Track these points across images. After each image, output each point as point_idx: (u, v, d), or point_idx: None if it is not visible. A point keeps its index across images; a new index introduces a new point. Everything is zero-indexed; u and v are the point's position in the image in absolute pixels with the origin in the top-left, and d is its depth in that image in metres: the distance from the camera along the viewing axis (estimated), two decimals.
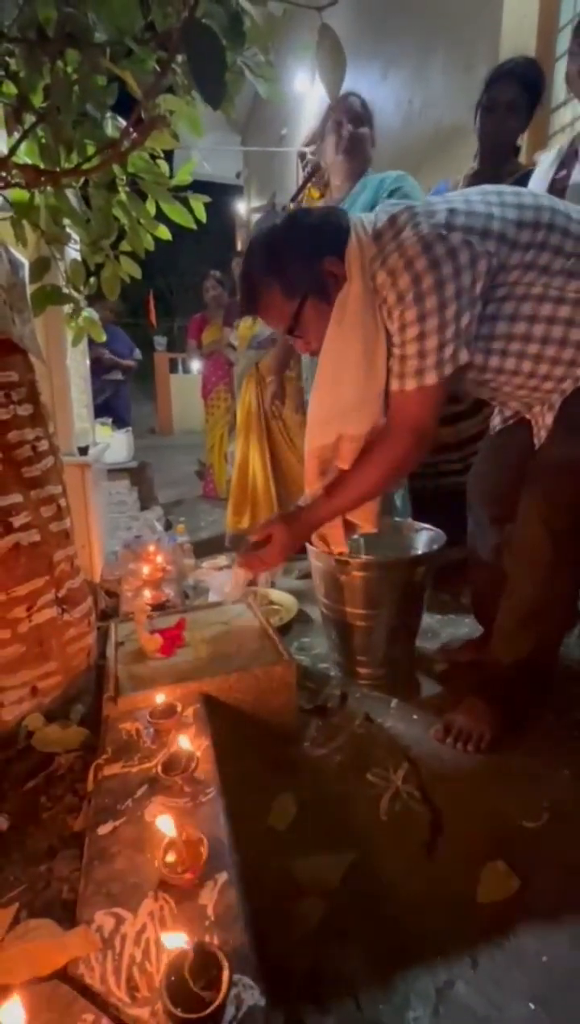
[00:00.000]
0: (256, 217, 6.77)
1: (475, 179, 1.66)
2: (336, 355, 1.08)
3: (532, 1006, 0.72)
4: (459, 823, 0.99)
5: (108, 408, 3.92)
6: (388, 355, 1.05)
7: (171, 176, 1.23)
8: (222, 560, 2.15)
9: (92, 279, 1.39)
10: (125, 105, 0.95)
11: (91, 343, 3.46)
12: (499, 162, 1.63)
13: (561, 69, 2.10)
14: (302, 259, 1.04)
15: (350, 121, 1.74)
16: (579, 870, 0.89)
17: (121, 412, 4.02)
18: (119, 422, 3.80)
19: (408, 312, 0.97)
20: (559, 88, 2.12)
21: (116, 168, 1.13)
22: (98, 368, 3.73)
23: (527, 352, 1.02)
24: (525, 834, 0.96)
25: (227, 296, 3.65)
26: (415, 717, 1.29)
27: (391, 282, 0.98)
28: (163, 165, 1.22)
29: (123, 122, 1.05)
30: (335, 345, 1.08)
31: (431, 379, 0.99)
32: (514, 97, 1.56)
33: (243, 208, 7.29)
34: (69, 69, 0.95)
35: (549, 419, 1.05)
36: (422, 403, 1.04)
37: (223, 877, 0.66)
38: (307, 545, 1.44)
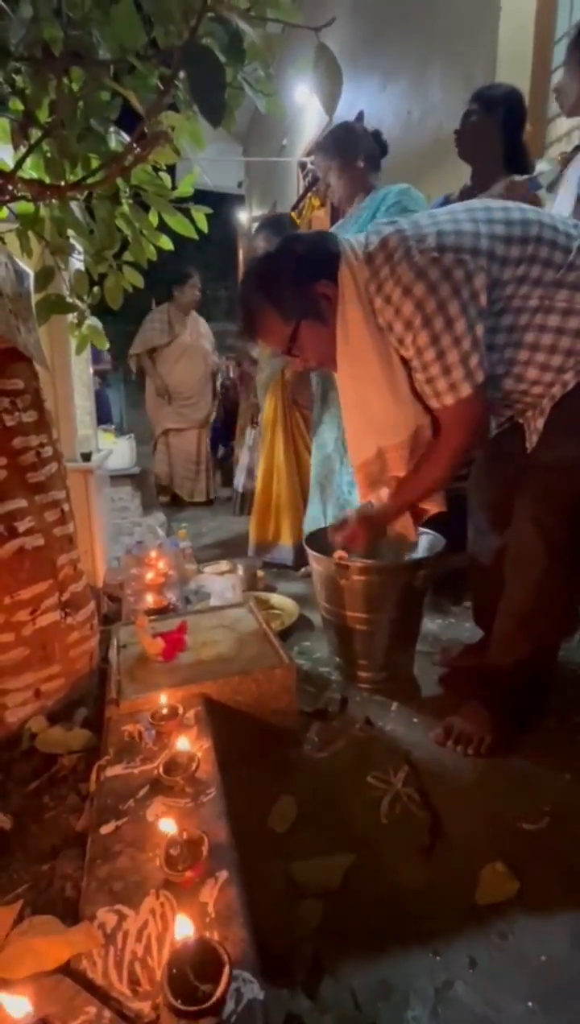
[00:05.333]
0: (257, 226, 6.83)
1: (466, 195, 1.69)
2: (354, 376, 1.14)
3: (531, 1005, 0.72)
4: (459, 825, 1.00)
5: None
6: (406, 369, 1.08)
7: (173, 187, 1.25)
8: (223, 565, 2.16)
9: (96, 289, 1.41)
10: (128, 119, 0.97)
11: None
12: (485, 180, 1.66)
13: (558, 80, 2.13)
14: (295, 285, 1.09)
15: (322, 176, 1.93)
16: (578, 872, 0.90)
17: (105, 415, 4.20)
18: (103, 419, 3.92)
19: (420, 337, 1.00)
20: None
21: (119, 181, 1.15)
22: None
23: (517, 359, 1.04)
24: (525, 836, 0.97)
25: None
26: (415, 721, 1.30)
27: (394, 311, 1.02)
28: (165, 177, 1.24)
29: (126, 137, 1.08)
30: (349, 367, 1.13)
31: (466, 391, 1.02)
32: (478, 121, 1.62)
33: (245, 217, 7.35)
34: (74, 86, 0.98)
35: (540, 423, 1.07)
36: (465, 413, 1.06)
37: (223, 875, 0.67)
38: (307, 548, 1.45)
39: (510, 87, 1.65)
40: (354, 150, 1.86)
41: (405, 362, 1.09)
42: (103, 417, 3.98)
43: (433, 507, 1.28)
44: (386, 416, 1.13)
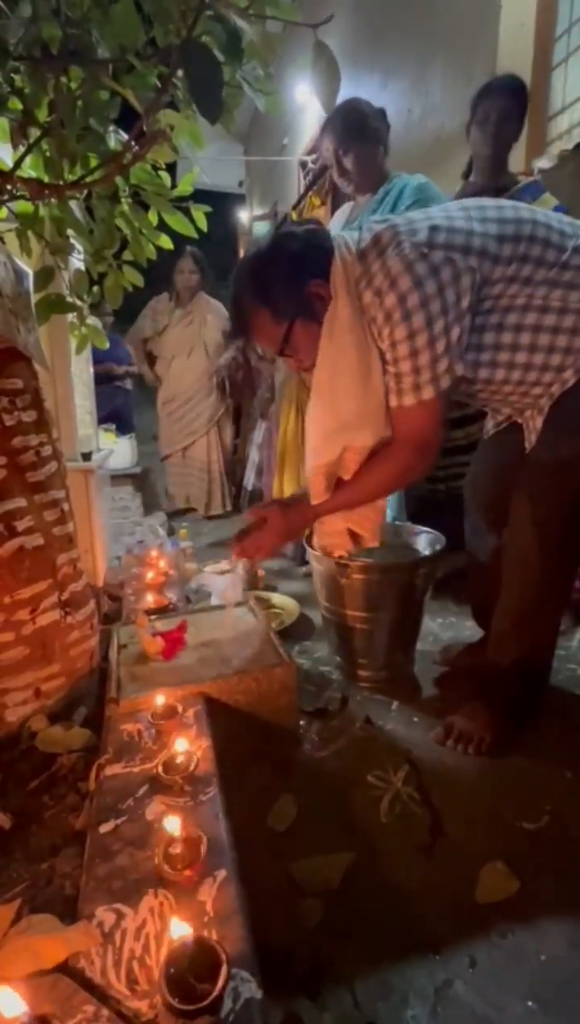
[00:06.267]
0: (258, 225, 6.83)
1: (475, 189, 1.68)
2: (330, 370, 1.10)
3: (531, 1005, 0.72)
4: (459, 824, 0.99)
5: (117, 415, 3.85)
6: (384, 371, 1.07)
7: (173, 186, 1.25)
8: (224, 564, 2.16)
9: (95, 288, 1.41)
10: (127, 118, 0.97)
11: (101, 356, 3.47)
12: (496, 176, 1.65)
13: (559, 77, 2.13)
14: (287, 284, 1.07)
15: (335, 169, 1.83)
16: (578, 871, 0.90)
17: (130, 419, 4.03)
18: (126, 428, 3.78)
19: (397, 330, 0.99)
20: (556, 96, 2.14)
21: (119, 180, 1.15)
22: (109, 376, 3.67)
23: (515, 361, 1.03)
24: (525, 835, 0.97)
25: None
26: (416, 720, 1.30)
27: (378, 302, 1.01)
28: (165, 176, 1.24)
29: (125, 136, 1.08)
30: (328, 361, 1.10)
31: (428, 393, 1.02)
32: (505, 106, 1.60)
33: (245, 216, 7.35)
34: (73, 85, 0.98)
35: (539, 422, 1.07)
36: (422, 417, 1.06)
37: (222, 874, 0.67)
38: (308, 548, 1.45)
39: (519, 78, 1.65)
40: (375, 133, 1.75)
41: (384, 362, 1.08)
42: (129, 426, 3.76)
43: (368, 536, 1.25)
44: (355, 414, 1.10)
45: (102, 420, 3.63)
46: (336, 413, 1.13)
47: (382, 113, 1.81)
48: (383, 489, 1.18)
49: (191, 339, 3.19)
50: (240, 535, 1.25)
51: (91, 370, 2.31)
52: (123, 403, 3.89)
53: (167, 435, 3.36)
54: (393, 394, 1.06)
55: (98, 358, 3.61)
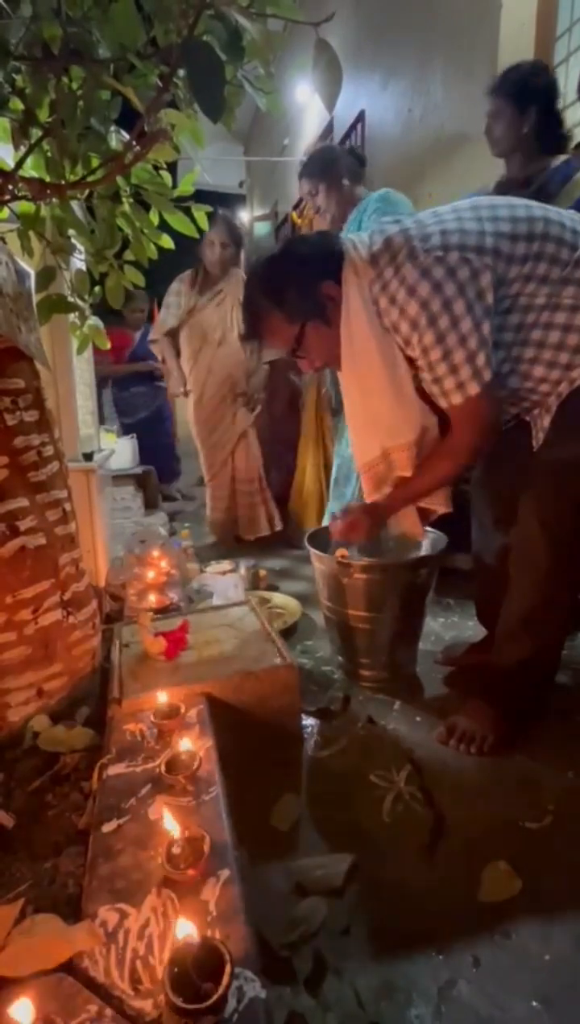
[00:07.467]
0: (259, 225, 6.83)
1: (502, 186, 1.68)
2: (358, 376, 1.13)
3: (534, 1005, 0.72)
4: (462, 824, 0.99)
5: (160, 415, 3.68)
6: (416, 370, 1.08)
7: (174, 186, 1.25)
8: (226, 564, 2.16)
9: (97, 288, 1.41)
10: (128, 118, 0.97)
11: (144, 352, 3.40)
12: (520, 168, 1.64)
13: (559, 77, 2.12)
14: (299, 287, 1.09)
15: (313, 208, 2.04)
16: None
17: (172, 421, 3.84)
18: (166, 433, 3.70)
19: (426, 337, 1.00)
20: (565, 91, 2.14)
21: (120, 180, 1.15)
22: (151, 375, 3.57)
23: (524, 357, 1.03)
24: (528, 835, 0.96)
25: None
26: (418, 719, 1.30)
27: (399, 312, 1.02)
28: (166, 176, 1.24)
29: (126, 135, 1.08)
30: (354, 367, 1.13)
31: (474, 389, 1.02)
32: (493, 107, 1.60)
33: (246, 217, 7.35)
34: (74, 85, 0.98)
35: (547, 421, 1.07)
36: (475, 411, 1.06)
37: (225, 873, 0.67)
38: (309, 547, 1.45)
39: (531, 64, 1.62)
40: (337, 170, 1.94)
41: (411, 362, 1.09)
42: (164, 430, 3.63)
43: (440, 507, 1.27)
44: (390, 416, 1.13)
45: (144, 422, 3.58)
46: (370, 415, 1.16)
47: (352, 150, 2.07)
48: (452, 470, 1.17)
49: (222, 323, 2.54)
50: (334, 526, 1.31)
51: (92, 370, 2.31)
52: (165, 403, 3.74)
53: (208, 447, 2.70)
54: (440, 398, 1.07)
55: (140, 355, 3.53)
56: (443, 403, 1.07)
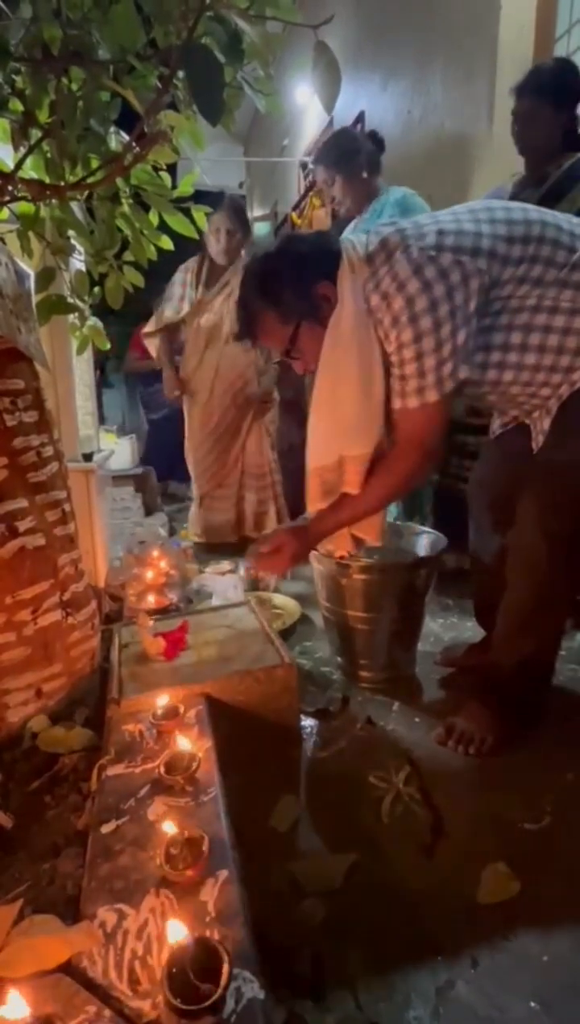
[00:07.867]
0: (258, 226, 6.82)
1: (520, 185, 1.67)
2: (333, 374, 1.11)
3: (533, 1006, 0.72)
4: (460, 825, 0.99)
5: (179, 415, 3.46)
6: (387, 375, 1.07)
7: (174, 187, 1.25)
8: (225, 565, 2.16)
9: (96, 289, 1.42)
10: (128, 119, 0.98)
11: None
12: (537, 165, 1.63)
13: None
14: (295, 286, 1.08)
15: (328, 197, 1.98)
16: None
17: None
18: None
19: (404, 333, 0.99)
20: None
21: (119, 181, 1.16)
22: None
23: (524, 362, 1.03)
24: (527, 836, 0.96)
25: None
26: (417, 720, 1.30)
27: (386, 305, 1.01)
28: (165, 177, 1.25)
29: (126, 136, 1.08)
30: (331, 364, 1.10)
31: (432, 396, 1.02)
32: (529, 107, 1.58)
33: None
34: (73, 86, 0.98)
35: (547, 424, 1.07)
36: (425, 420, 1.06)
37: (224, 874, 0.67)
38: None
39: (559, 62, 1.61)
40: (357, 160, 1.87)
41: (387, 369, 1.08)
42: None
43: (370, 538, 1.26)
44: (355, 423, 1.11)
45: (168, 418, 3.49)
46: (336, 419, 1.14)
47: (370, 135, 1.96)
48: (389, 496, 1.18)
49: (230, 319, 2.21)
50: (256, 554, 1.29)
51: (92, 371, 2.32)
52: None
53: (213, 455, 2.48)
54: (397, 396, 1.06)
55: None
56: (398, 404, 1.06)
